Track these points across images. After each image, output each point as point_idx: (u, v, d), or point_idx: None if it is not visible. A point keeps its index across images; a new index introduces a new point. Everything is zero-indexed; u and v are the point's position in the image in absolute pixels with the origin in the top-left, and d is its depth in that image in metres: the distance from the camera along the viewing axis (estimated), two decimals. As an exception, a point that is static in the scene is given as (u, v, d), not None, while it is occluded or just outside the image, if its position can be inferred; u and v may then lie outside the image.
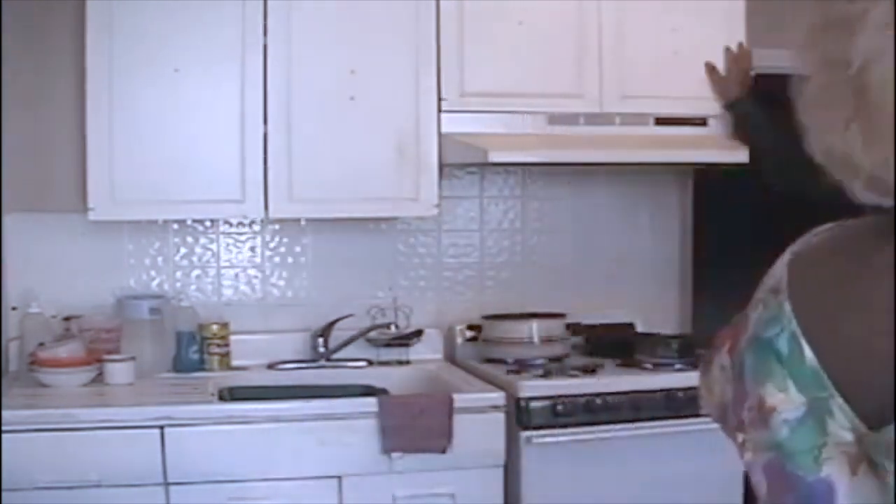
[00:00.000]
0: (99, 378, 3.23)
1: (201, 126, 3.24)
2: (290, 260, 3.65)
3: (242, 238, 3.64)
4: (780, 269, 0.83)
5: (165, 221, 3.52)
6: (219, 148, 3.25)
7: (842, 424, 0.76)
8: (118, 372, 3.24)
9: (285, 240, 3.65)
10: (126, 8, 3.17)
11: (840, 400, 0.76)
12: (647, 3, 3.47)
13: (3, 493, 2.73)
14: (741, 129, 3.40)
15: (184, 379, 3.33)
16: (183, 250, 3.60)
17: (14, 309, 3.44)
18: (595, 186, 3.94)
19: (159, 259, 3.58)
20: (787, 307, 0.80)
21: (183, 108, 3.23)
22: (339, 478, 2.98)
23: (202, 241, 3.62)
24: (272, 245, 3.65)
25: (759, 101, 3.39)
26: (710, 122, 3.48)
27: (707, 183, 4.06)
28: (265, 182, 3.27)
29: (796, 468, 0.79)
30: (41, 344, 3.29)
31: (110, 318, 3.43)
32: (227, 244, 3.64)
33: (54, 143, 3.47)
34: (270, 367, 3.54)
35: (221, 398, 3.17)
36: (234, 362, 3.50)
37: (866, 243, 0.78)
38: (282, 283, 3.65)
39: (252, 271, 3.64)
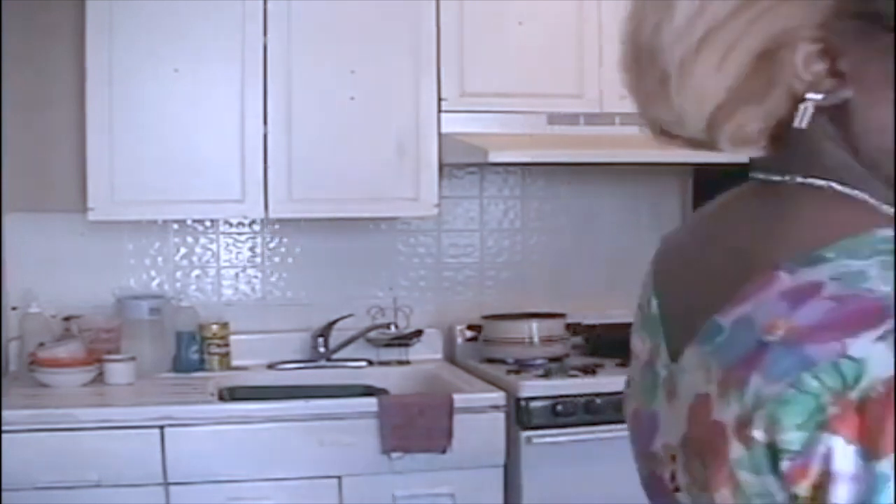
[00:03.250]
0: (99, 378, 3.23)
1: (201, 126, 3.24)
2: (290, 260, 3.65)
3: (242, 238, 3.64)
4: (661, 240, 0.96)
5: (165, 221, 3.52)
6: (219, 148, 3.25)
7: (664, 363, 0.83)
8: (118, 372, 3.24)
9: (285, 240, 3.65)
10: (126, 8, 3.17)
11: (664, 340, 0.84)
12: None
13: (3, 493, 2.73)
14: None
15: (184, 379, 3.33)
16: (183, 250, 3.60)
17: (14, 309, 3.44)
18: (595, 186, 3.94)
19: (159, 259, 3.58)
20: (651, 268, 0.92)
21: (183, 108, 3.23)
22: (339, 478, 2.98)
23: (202, 241, 3.62)
24: (272, 245, 3.65)
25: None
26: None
27: (707, 183, 4.06)
28: (265, 182, 3.27)
29: (641, 405, 0.86)
30: (41, 344, 3.29)
31: (110, 318, 3.43)
32: (227, 244, 3.64)
33: (54, 143, 3.47)
34: (270, 367, 3.54)
35: (221, 398, 3.17)
36: (234, 362, 3.50)
37: (710, 204, 0.88)
38: (282, 283, 3.65)
39: (252, 271, 3.64)
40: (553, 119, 3.38)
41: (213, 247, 3.63)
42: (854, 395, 0.64)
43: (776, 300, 0.71)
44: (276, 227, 3.63)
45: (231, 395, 3.26)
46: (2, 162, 3.37)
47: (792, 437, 0.66)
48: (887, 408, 0.63)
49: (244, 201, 3.27)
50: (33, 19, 3.45)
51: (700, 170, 3.99)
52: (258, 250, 3.64)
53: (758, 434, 0.68)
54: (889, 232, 0.72)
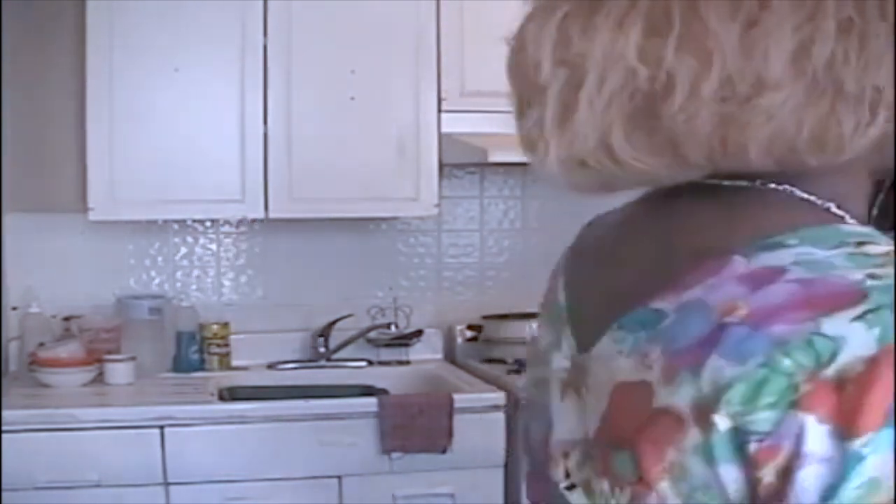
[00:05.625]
0: (99, 378, 3.23)
1: (201, 126, 3.24)
2: (290, 260, 3.65)
3: (242, 238, 3.64)
4: (578, 233, 0.94)
5: (165, 221, 3.52)
6: (219, 148, 3.25)
7: (564, 354, 0.81)
8: (118, 372, 3.24)
9: (285, 240, 3.65)
10: (126, 8, 3.17)
11: (568, 332, 0.81)
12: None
13: (3, 493, 2.73)
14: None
15: (184, 379, 3.33)
16: (183, 250, 3.60)
17: (14, 309, 3.44)
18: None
19: (159, 259, 3.58)
20: (562, 262, 0.90)
21: (183, 108, 3.23)
22: (339, 478, 2.98)
23: (202, 241, 3.62)
24: (272, 245, 3.65)
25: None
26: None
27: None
28: (265, 182, 3.27)
29: (536, 396, 0.85)
30: (41, 344, 3.29)
31: (110, 318, 3.43)
32: (227, 244, 3.64)
33: (54, 143, 3.48)
34: (270, 367, 3.54)
35: (221, 398, 3.17)
36: (234, 362, 3.50)
37: (627, 204, 0.86)
38: (282, 282, 3.65)
39: (252, 271, 3.64)
40: (553, 119, 3.38)
41: (213, 247, 3.63)
42: (829, 372, 0.62)
43: (732, 284, 0.69)
44: (276, 226, 3.63)
45: (231, 395, 3.26)
46: (2, 162, 3.37)
47: (762, 418, 0.64)
48: (867, 386, 0.61)
49: (244, 201, 3.27)
50: (33, 19, 3.45)
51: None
52: (258, 250, 3.64)
53: (719, 419, 0.65)
54: (857, 228, 0.72)
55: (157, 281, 3.57)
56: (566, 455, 0.78)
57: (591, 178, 0.78)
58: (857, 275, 0.65)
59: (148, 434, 2.89)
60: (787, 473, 0.63)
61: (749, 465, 0.64)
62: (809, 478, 0.62)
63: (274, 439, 2.96)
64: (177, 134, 3.23)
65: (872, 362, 0.62)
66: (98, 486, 2.84)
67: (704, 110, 0.69)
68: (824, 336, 0.63)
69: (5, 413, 2.82)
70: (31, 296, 3.39)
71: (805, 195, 0.74)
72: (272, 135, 3.27)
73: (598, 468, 0.74)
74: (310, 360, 3.56)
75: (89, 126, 3.20)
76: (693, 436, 0.66)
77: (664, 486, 0.68)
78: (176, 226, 3.57)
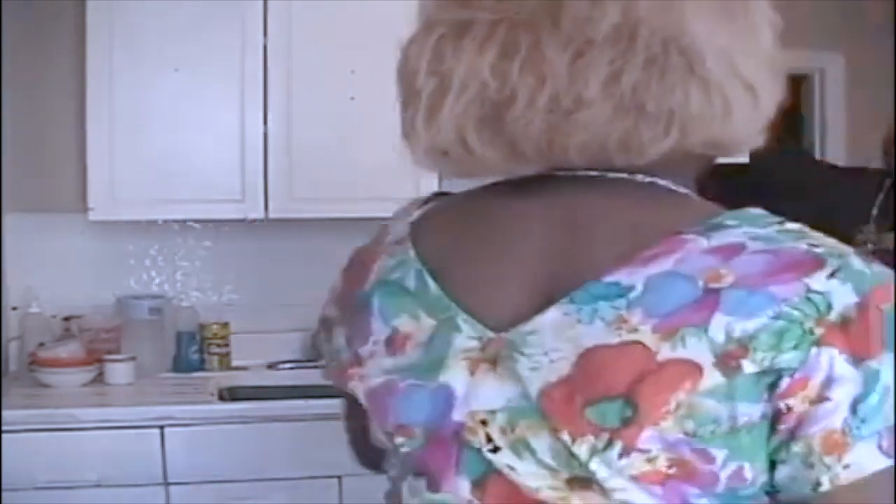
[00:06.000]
0: (99, 378, 3.23)
1: (201, 126, 3.25)
2: (290, 260, 3.65)
3: (242, 238, 3.64)
4: (402, 228, 1.03)
5: (165, 221, 3.52)
6: (219, 148, 3.25)
7: (469, 335, 0.91)
8: (118, 372, 3.24)
9: (285, 240, 3.65)
10: (126, 8, 3.17)
11: (464, 317, 0.92)
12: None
13: (3, 493, 2.73)
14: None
15: (184, 379, 3.33)
16: (183, 250, 3.60)
17: (14, 309, 3.44)
18: (595, 186, 3.93)
19: (159, 259, 3.58)
20: (412, 253, 0.98)
21: (183, 108, 3.23)
22: (339, 478, 2.98)
23: (202, 241, 3.61)
24: (272, 245, 3.65)
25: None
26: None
27: (707, 183, 4.07)
28: (265, 182, 3.27)
29: (419, 380, 0.93)
30: (41, 344, 3.29)
31: (110, 318, 3.43)
32: (227, 244, 3.63)
33: (54, 143, 3.48)
34: (270, 367, 3.54)
35: (221, 398, 3.17)
36: (234, 362, 3.50)
37: (486, 197, 0.99)
38: (282, 282, 3.64)
39: (252, 271, 3.64)
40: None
41: (214, 247, 3.62)
42: (833, 317, 0.81)
43: (703, 256, 0.84)
44: (276, 226, 3.63)
45: (231, 395, 3.25)
46: (2, 162, 3.37)
47: (789, 358, 0.80)
48: (865, 324, 0.81)
49: (244, 201, 3.27)
50: (33, 19, 3.45)
51: (700, 170, 3.99)
52: (258, 250, 3.64)
53: (747, 363, 0.80)
54: (762, 211, 0.90)
55: (157, 281, 3.57)
56: (485, 422, 0.89)
57: (450, 166, 0.96)
58: (802, 245, 0.85)
59: (148, 434, 2.89)
60: (818, 398, 0.80)
61: (776, 398, 0.81)
62: (842, 395, 0.79)
63: (274, 439, 2.96)
64: (177, 134, 3.23)
65: (862, 307, 0.81)
66: (98, 486, 2.84)
67: (537, 118, 0.87)
68: (816, 292, 0.81)
69: (5, 413, 2.82)
70: (31, 296, 3.39)
71: (664, 183, 0.93)
72: (272, 135, 3.27)
73: (552, 424, 0.85)
74: (310, 360, 3.56)
75: (89, 126, 3.20)
76: (712, 379, 0.81)
77: (667, 424, 0.81)
78: (176, 226, 3.57)
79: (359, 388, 1.01)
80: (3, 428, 2.78)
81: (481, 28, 0.89)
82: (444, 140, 0.92)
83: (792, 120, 4.19)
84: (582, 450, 0.83)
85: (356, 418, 1.14)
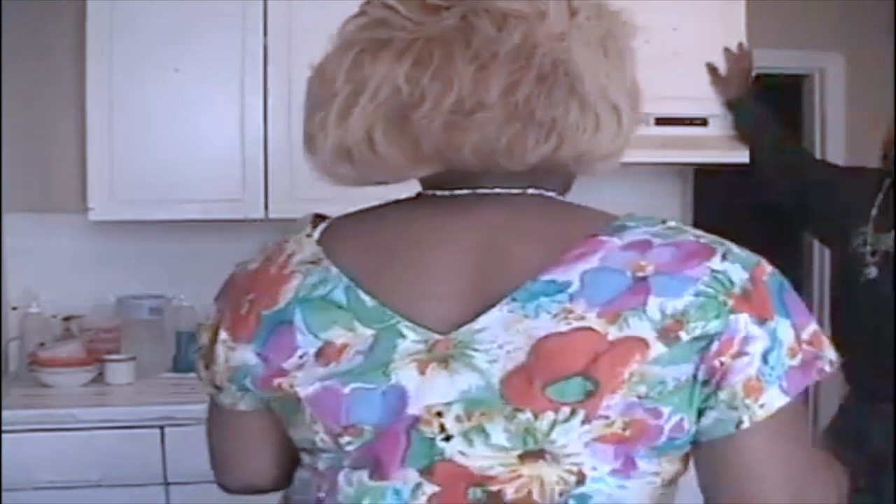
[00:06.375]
0: (99, 378, 3.24)
1: (201, 126, 3.25)
2: (290, 260, 3.65)
3: (242, 238, 3.64)
4: (309, 249, 1.15)
5: (165, 221, 3.52)
6: (219, 148, 3.26)
7: (414, 340, 1.03)
8: (118, 372, 3.24)
9: (285, 240, 3.65)
10: (126, 8, 3.17)
11: (406, 324, 1.03)
12: (647, 2, 3.46)
13: (3, 493, 2.73)
14: (741, 128, 3.40)
15: (184, 379, 3.32)
16: (183, 250, 3.60)
17: (14, 309, 3.45)
18: (595, 186, 3.93)
19: (159, 259, 3.58)
20: (335, 270, 1.09)
21: (183, 108, 3.23)
22: (339, 478, 2.98)
23: (202, 241, 3.61)
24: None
25: (759, 101, 3.40)
26: (710, 122, 3.48)
27: (707, 183, 4.07)
28: (265, 182, 3.27)
29: (367, 384, 1.03)
30: (41, 344, 3.29)
31: (110, 318, 3.43)
32: (227, 244, 3.63)
33: (54, 142, 3.48)
34: (270, 367, 3.53)
35: (221, 398, 3.17)
36: (234, 362, 3.49)
37: (403, 217, 1.15)
38: (282, 283, 3.64)
39: (252, 271, 3.63)
40: (553, 119, 3.38)
41: (213, 247, 3.62)
42: (737, 290, 1.00)
43: (622, 252, 1.02)
44: (277, 226, 3.63)
45: (231, 395, 3.25)
46: (2, 162, 3.37)
47: (716, 325, 0.99)
48: (759, 293, 1.01)
49: (244, 201, 3.27)
50: (33, 20, 3.45)
51: (700, 170, 3.99)
52: (258, 250, 3.63)
53: (684, 334, 0.98)
54: (643, 214, 1.07)
55: (157, 281, 3.57)
56: (440, 414, 1.01)
57: (351, 169, 1.13)
58: (690, 237, 1.04)
59: (148, 434, 2.89)
60: (739, 353, 0.99)
61: (709, 357, 0.99)
62: (755, 349, 0.99)
63: (274, 439, 2.96)
64: (177, 134, 3.23)
65: (753, 280, 1.01)
66: (98, 486, 2.84)
67: (439, 118, 1.00)
68: (718, 272, 1.00)
69: (5, 413, 2.82)
70: (31, 296, 3.40)
71: (560, 198, 1.12)
72: (272, 135, 3.27)
73: (512, 406, 0.99)
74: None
75: (89, 126, 3.20)
76: (656, 350, 0.98)
77: (623, 391, 0.97)
78: (176, 226, 3.57)
79: (289, 395, 1.08)
80: (3, 428, 2.78)
81: (399, 44, 1.03)
82: (351, 138, 1.05)
83: (792, 120, 4.20)
84: (543, 424, 0.98)
85: (251, 430, 1.32)
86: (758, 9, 3.55)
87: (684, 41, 3.47)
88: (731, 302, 0.99)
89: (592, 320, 0.98)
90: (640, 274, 1.00)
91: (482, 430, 1.00)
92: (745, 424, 0.99)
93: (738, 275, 1.01)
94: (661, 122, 3.45)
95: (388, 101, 1.02)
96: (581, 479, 1.00)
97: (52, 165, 3.48)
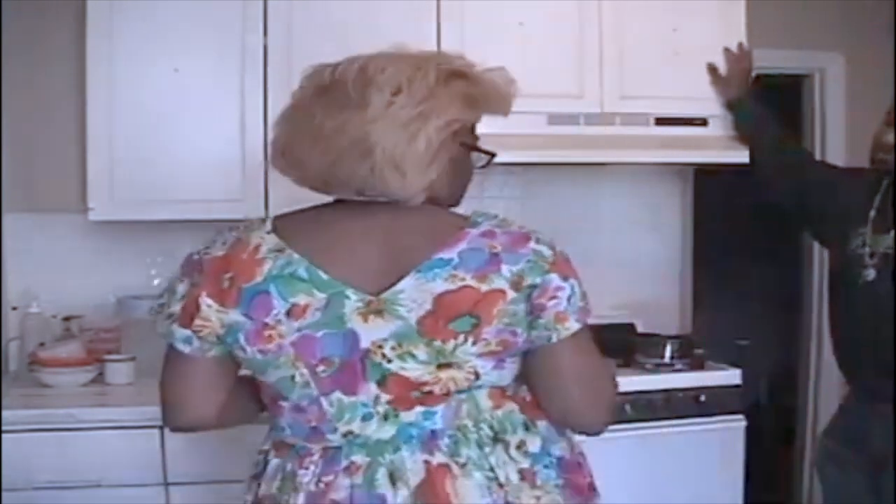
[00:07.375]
0: (99, 378, 3.24)
1: (201, 126, 3.24)
2: (290, 260, 3.64)
3: (242, 238, 3.64)
4: (272, 240, 1.67)
5: (165, 221, 3.52)
6: (219, 148, 3.25)
7: (356, 300, 1.57)
8: (118, 372, 3.24)
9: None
10: (126, 8, 3.17)
11: (350, 290, 1.57)
12: (647, 3, 3.46)
13: (3, 493, 2.73)
14: (741, 128, 3.40)
15: (184, 379, 3.32)
16: (183, 250, 3.59)
17: (14, 309, 3.45)
18: (595, 186, 3.94)
19: (159, 259, 3.58)
20: (296, 256, 1.60)
21: (183, 108, 3.23)
22: (339, 478, 2.97)
23: (202, 241, 3.60)
24: (272, 245, 3.64)
25: (759, 101, 3.40)
26: (710, 122, 3.48)
27: (707, 183, 4.07)
28: (265, 182, 3.26)
29: (332, 329, 1.57)
30: (41, 344, 3.29)
31: (110, 318, 3.43)
32: (227, 244, 3.63)
33: (54, 142, 3.48)
34: (270, 367, 3.53)
35: (221, 398, 3.16)
36: (234, 362, 3.49)
37: (334, 218, 1.67)
38: (282, 283, 3.64)
39: (252, 271, 3.63)
40: (553, 119, 3.38)
41: (213, 247, 3.62)
42: (550, 259, 1.61)
43: (480, 238, 1.60)
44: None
45: (231, 395, 3.25)
46: (2, 162, 3.37)
47: (539, 279, 1.59)
48: (562, 263, 1.63)
49: (244, 201, 3.27)
50: (33, 19, 3.45)
51: (700, 170, 3.99)
52: (258, 250, 3.63)
53: (525, 285, 1.58)
54: (485, 211, 1.68)
55: (157, 281, 3.57)
56: (381, 346, 1.56)
57: (295, 173, 1.82)
58: (515, 228, 1.63)
59: (148, 434, 2.89)
60: (552, 297, 1.59)
61: (534, 298, 1.59)
62: (562, 295, 1.62)
63: (274, 439, 2.96)
64: (177, 134, 3.23)
65: (556, 253, 1.62)
66: (98, 486, 2.84)
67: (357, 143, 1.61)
68: (536, 249, 1.60)
69: (5, 413, 2.82)
70: (31, 296, 3.40)
71: (430, 205, 1.65)
72: (272, 134, 3.26)
73: (427, 338, 1.55)
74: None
75: (89, 126, 3.20)
76: (512, 296, 1.57)
77: (495, 322, 1.56)
78: (176, 226, 3.57)
79: (270, 344, 1.59)
80: (3, 428, 2.78)
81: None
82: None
83: (792, 120, 4.19)
84: (448, 347, 1.56)
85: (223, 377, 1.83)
86: (758, 9, 3.56)
87: (684, 41, 3.47)
88: (546, 266, 1.59)
89: (470, 280, 1.55)
90: (493, 251, 1.58)
91: (411, 354, 1.56)
92: (553, 339, 1.61)
93: (547, 251, 1.61)
94: (661, 122, 3.45)
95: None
96: (477, 376, 1.59)
97: (52, 165, 3.47)
